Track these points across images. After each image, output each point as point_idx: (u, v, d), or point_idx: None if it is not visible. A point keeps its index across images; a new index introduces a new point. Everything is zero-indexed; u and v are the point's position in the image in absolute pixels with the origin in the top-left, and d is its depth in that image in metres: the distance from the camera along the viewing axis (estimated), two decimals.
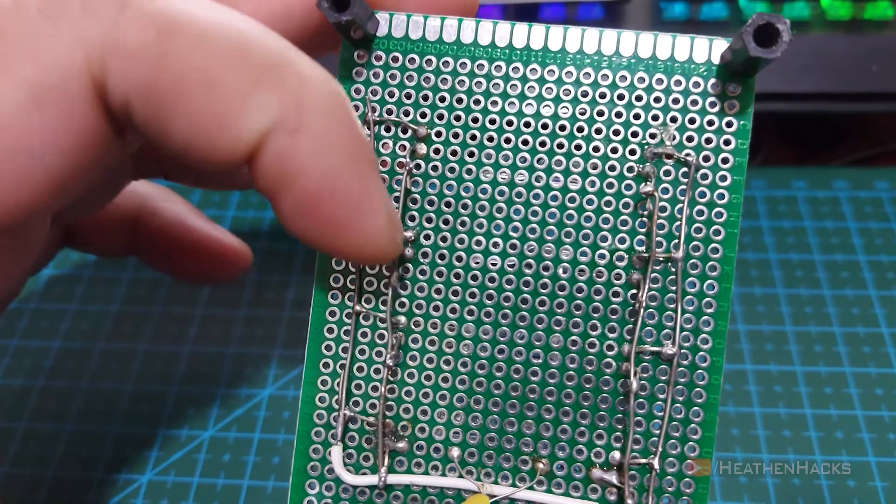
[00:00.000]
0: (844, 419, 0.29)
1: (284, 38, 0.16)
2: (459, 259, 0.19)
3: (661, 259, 0.18)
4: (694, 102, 0.18)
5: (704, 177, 0.18)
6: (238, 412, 0.30)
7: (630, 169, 0.18)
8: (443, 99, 0.18)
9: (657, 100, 0.18)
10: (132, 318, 0.33)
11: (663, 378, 0.19)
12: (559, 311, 0.19)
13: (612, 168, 0.18)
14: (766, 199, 0.36)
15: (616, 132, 0.18)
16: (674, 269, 0.18)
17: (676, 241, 0.18)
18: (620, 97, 0.18)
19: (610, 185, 0.19)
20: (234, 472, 0.28)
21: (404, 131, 0.19)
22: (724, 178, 0.18)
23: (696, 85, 0.18)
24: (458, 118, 0.18)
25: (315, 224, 0.16)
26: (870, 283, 0.33)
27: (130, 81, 0.14)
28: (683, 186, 0.18)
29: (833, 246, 0.34)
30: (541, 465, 0.19)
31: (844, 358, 0.31)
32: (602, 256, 0.19)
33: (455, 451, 0.19)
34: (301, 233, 0.16)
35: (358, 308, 0.19)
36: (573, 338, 0.19)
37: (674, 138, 0.18)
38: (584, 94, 0.18)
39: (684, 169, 0.18)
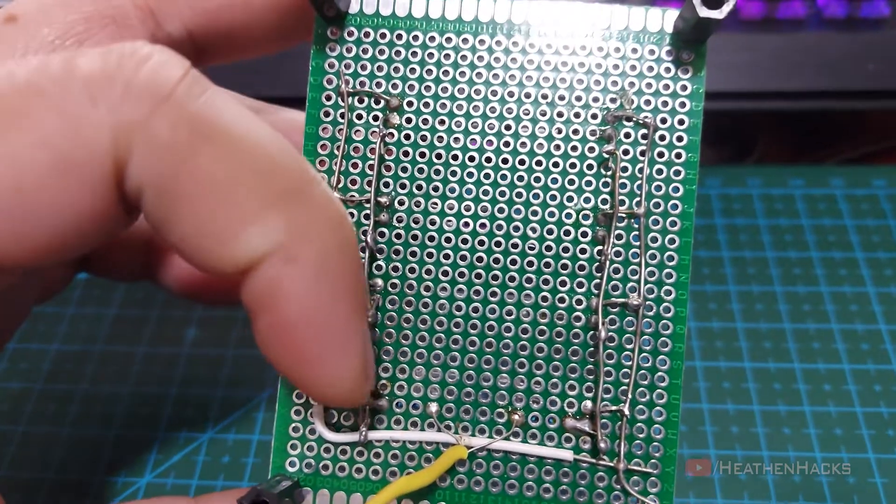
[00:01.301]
0: (843, 416, 0.31)
1: (305, 160, 0.17)
2: (433, 223, 0.21)
3: (624, 216, 0.21)
4: (650, 69, 0.21)
5: (662, 138, 0.21)
6: (237, 414, 0.32)
7: (592, 132, 0.21)
8: (413, 71, 0.21)
9: (615, 67, 0.21)
10: (130, 321, 0.35)
11: (630, 329, 0.21)
12: (529, 269, 0.21)
13: (576, 132, 0.21)
14: (763, 197, 0.38)
15: (578, 98, 0.21)
16: (637, 225, 0.21)
17: (638, 198, 0.21)
18: (581, 65, 0.21)
19: (574, 149, 0.21)
20: (234, 473, 0.30)
21: (377, 102, 0.21)
22: (680, 139, 0.21)
23: (652, 52, 0.21)
24: (427, 88, 0.21)
25: (284, 352, 0.17)
26: (867, 280, 0.35)
27: (149, 173, 0.15)
28: (643, 147, 0.21)
29: (830, 243, 0.36)
30: (516, 417, 0.21)
31: (843, 355, 0.33)
32: (569, 216, 0.21)
33: (433, 407, 0.21)
34: (271, 357, 0.17)
35: None
36: (543, 294, 0.21)
37: (632, 102, 0.21)
38: (547, 63, 0.21)
39: (643, 131, 0.21)
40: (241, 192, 0.16)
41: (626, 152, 0.21)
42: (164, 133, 0.15)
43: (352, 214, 0.21)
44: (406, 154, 0.21)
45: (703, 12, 0.18)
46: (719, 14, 0.19)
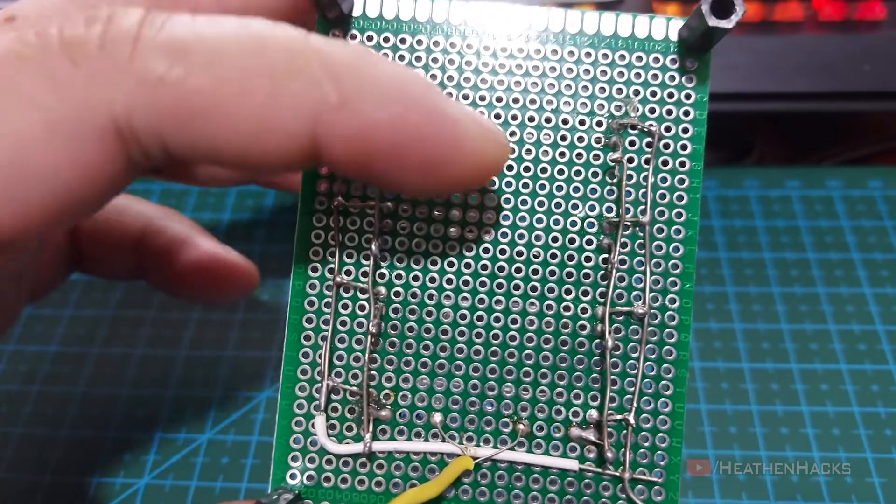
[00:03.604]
0: (841, 416, 0.31)
1: (280, 23, 0.17)
2: (437, 230, 0.21)
3: (629, 224, 0.20)
4: (655, 77, 0.20)
5: (667, 146, 0.20)
6: (236, 415, 0.31)
7: (597, 140, 0.20)
8: None
9: (620, 74, 0.20)
10: (128, 323, 0.34)
11: (635, 337, 0.20)
12: (534, 276, 0.21)
13: (581, 139, 0.20)
14: (761, 198, 0.38)
15: (583, 105, 0.20)
16: (641, 234, 0.20)
17: (643, 206, 0.20)
18: (586, 72, 0.20)
19: (579, 156, 0.21)
20: (233, 474, 0.30)
21: None
22: (684, 147, 0.20)
23: (656, 60, 0.20)
24: None
25: (420, 174, 0.17)
26: (864, 280, 0.35)
27: (158, 113, 0.15)
28: (648, 155, 0.20)
29: (827, 244, 0.36)
30: (521, 427, 0.20)
31: (840, 355, 0.32)
32: (573, 224, 0.21)
33: (437, 417, 0.21)
34: (414, 190, 0.17)
35: (339, 279, 0.21)
36: (548, 302, 0.21)
37: (637, 110, 0.20)
38: (552, 70, 0.20)
39: (648, 139, 0.20)
40: (249, 79, 0.15)
41: (630, 160, 0.20)
42: (148, 72, 0.15)
43: (353, 222, 0.21)
44: None
45: (713, 21, 0.18)
46: (728, 23, 0.18)
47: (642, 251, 0.20)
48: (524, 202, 0.21)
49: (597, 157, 0.20)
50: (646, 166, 0.20)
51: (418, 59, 0.21)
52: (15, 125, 0.15)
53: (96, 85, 0.15)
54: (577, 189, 0.21)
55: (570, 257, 0.20)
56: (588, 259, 0.20)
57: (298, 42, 0.16)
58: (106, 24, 0.16)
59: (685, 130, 0.20)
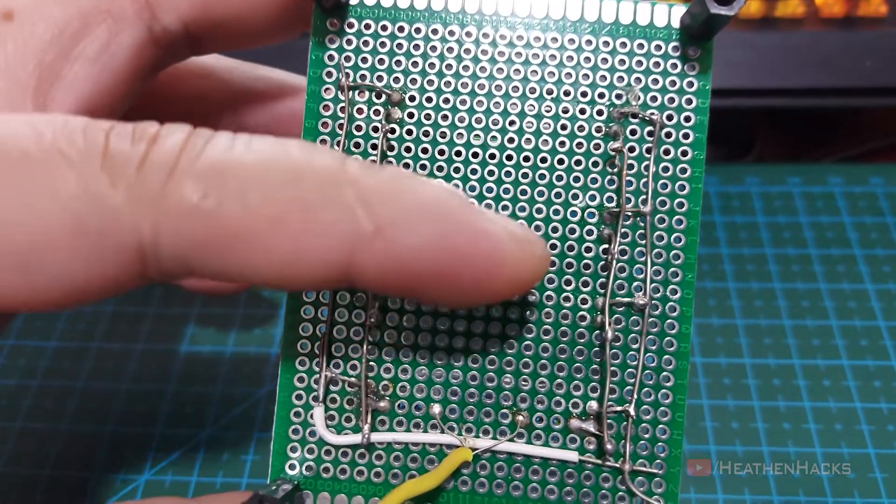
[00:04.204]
0: (843, 411, 0.30)
1: (328, 149, 0.17)
2: None
3: (630, 214, 0.20)
4: (656, 65, 0.20)
5: (668, 135, 0.20)
6: (236, 411, 0.31)
7: (598, 129, 0.20)
8: (416, 64, 0.20)
9: (621, 62, 0.20)
10: (128, 318, 0.34)
11: (636, 328, 0.20)
12: None
13: (581, 128, 0.20)
14: (762, 195, 0.38)
15: (584, 94, 0.20)
16: (642, 224, 0.20)
17: (644, 196, 0.20)
18: (587, 60, 0.20)
19: (579, 145, 0.20)
20: (233, 470, 0.29)
21: (378, 96, 0.20)
22: (686, 136, 0.20)
23: (658, 48, 0.20)
24: (430, 83, 0.20)
25: (458, 294, 0.16)
26: (865, 276, 0.34)
27: (186, 242, 0.15)
28: (649, 144, 0.20)
29: (829, 240, 0.36)
30: (521, 418, 0.20)
31: (842, 351, 0.32)
32: (574, 214, 0.20)
33: (436, 408, 0.20)
34: (452, 306, 0.18)
35: None
36: (548, 293, 0.20)
37: (638, 98, 0.20)
38: (553, 58, 0.20)
39: (649, 128, 0.20)
40: (284, 210, 0.15)
41: (631, 149, 0.20)
42: (183, 202, 0.15)
43: None
44: (408, 150, 0.20)
45: (714, 8, 0.18)
46: (730, 10, 0.18)
47: (643, 241, 0.20)
48: (524, 192, 0.20)
49: (597, 146, 0.20)
50: (647, 155, 0.20)
51: (416, 47, 0.20)
52: (41, 216, 0.15)
53: (128, 208, 0.15)
54: (577, 179, 0.20)
55: (571, 247, 0.20)
56: (588, 249, 0.20)
57: (333, 169, 0.16)
58: (150, 143, 0.15)
59: (687, 119, 0.20)
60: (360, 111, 0.20)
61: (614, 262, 0.20)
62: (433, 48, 0.20)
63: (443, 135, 0.20)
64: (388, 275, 0.16)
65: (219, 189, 0.15)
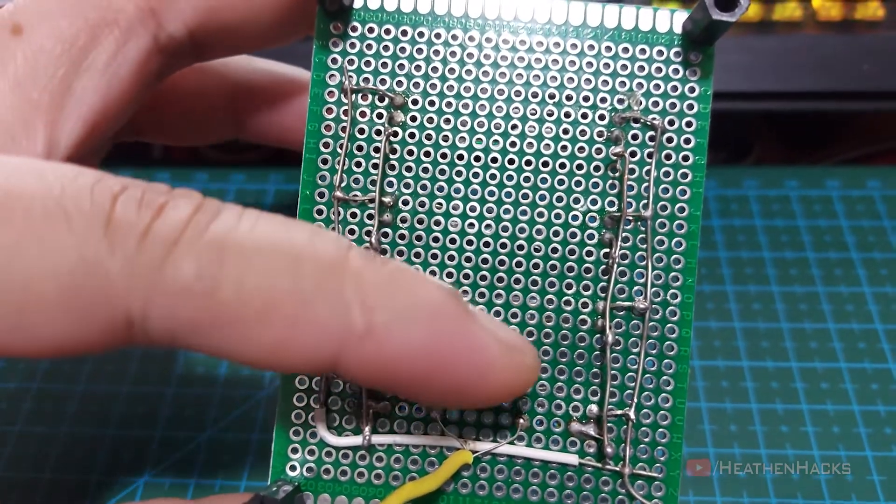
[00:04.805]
0: (841, 414, 0.30)
1: (333, 235, 0.17)
2: (437, 223, 0.20)
3: (631, 218, 0.20)
4: (658, 70, 0.20)
5: (670, 139, 0.20)
6: (236, 413, 0.31)
7: (600, 133, 0.20)
8: (418, 68, 0.20)
9: (623, 67, 0.20)
10: None
11: (636, 332, 0.20)
12: (535, 271, 0.20)
13: (583, 133, 0.20)
14: (759, 198, 0.38)
15: (586, 98, 0.20)
16: (643, 228, 0.20)
17: (645, 201, 0.20)
18: (589, 65, 0.20)
19: (581, 149, 0.20)
20: (233, 472, 0.29)
21: (381, 100, 0.20)
22: (688, 141, 0.20)
23: (660, 53, 0.20)
24: (433, 87, 0.20)
25: (442, 399, 0.17)
26: (863, 280, 0.34)
27: (175, 321, 0.15)
28: (650, 149, 0.20)
29: (826, 244, 0.36)
30: (521, 421, 0.20)
31: (840, 354, 0.32)
32: (575, 218, 0.20)
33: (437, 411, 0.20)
34: (439, 406, 0.18)
35: None
36: (549, 297, 0.20)
37: (640, 103, 0.20)
38: (555, 63, 0.20)
39: (651, 132, 0.20)
40: (277, 298, 0.15)
41: (633, 154, 0.20)
42: (179, 278, 0.15)
43: (354, 215, 0.20)
44: (411, 153, 0.20)
45: (716, 14, 0.18)
46: (732, 17, 0.18)
47: (644, 246, 0.20)
48: (525, 195, 0.20)
49: (599, 150, 0.20)
50: (648, 160, 0.20)
51: (419, 51, 0.20)
52: (35, 276, 0.15)
53: (123, 282, 0.15)
54: (578, 183, 0.20)
55: (572, 251, 0.20)
56: (589, 253, 0.20)
57: (334, 260, 0.16)
58: (155, 213, 0.15)
59: (689, 124, 0.20)
60: (362, 114, 0.20)
61: (615, 266, 0.20)
62: (436, 52, 0.20)
63: (445, 138, 0.20)
64: (374, 374, 0.16)
65: (216, 270, 0.15)
